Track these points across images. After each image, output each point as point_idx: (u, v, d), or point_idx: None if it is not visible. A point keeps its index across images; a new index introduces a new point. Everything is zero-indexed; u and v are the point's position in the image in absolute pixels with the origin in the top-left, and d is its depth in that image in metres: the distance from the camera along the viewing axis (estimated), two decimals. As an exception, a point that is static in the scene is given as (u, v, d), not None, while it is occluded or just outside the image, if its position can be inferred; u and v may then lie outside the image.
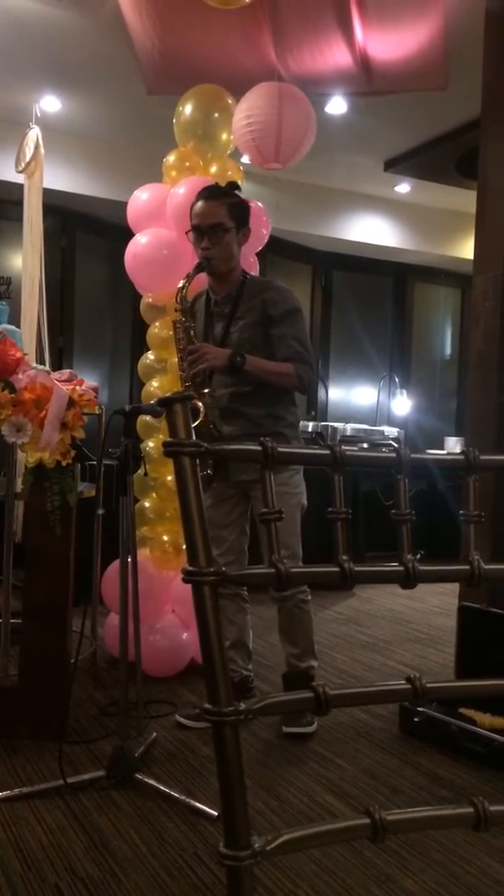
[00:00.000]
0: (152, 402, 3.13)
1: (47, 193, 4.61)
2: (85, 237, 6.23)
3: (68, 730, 2.77)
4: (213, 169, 3.61)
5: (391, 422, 7.24)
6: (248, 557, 3.09)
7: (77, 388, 2.73)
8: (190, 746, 2.73)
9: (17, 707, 2.72)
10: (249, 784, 2.41)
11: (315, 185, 6.40)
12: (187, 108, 3.59)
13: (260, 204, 3.53)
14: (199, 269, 2.90)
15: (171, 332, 3.56)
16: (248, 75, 3.73)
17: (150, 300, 3.67)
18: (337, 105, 4.72)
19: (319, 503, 3.18)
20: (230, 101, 3.64)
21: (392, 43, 3.59)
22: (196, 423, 2.79)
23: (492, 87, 3.41)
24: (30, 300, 4.45)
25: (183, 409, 0.98)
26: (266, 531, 1.03)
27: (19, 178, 4.61)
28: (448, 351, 7.95)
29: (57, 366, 5.32)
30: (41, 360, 4.30)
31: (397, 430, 6.69)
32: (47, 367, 3.97)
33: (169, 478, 3.46)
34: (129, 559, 2.56)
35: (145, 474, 3.35)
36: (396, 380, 7.44)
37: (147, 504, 3.58)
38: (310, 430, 6.09)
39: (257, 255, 3.58)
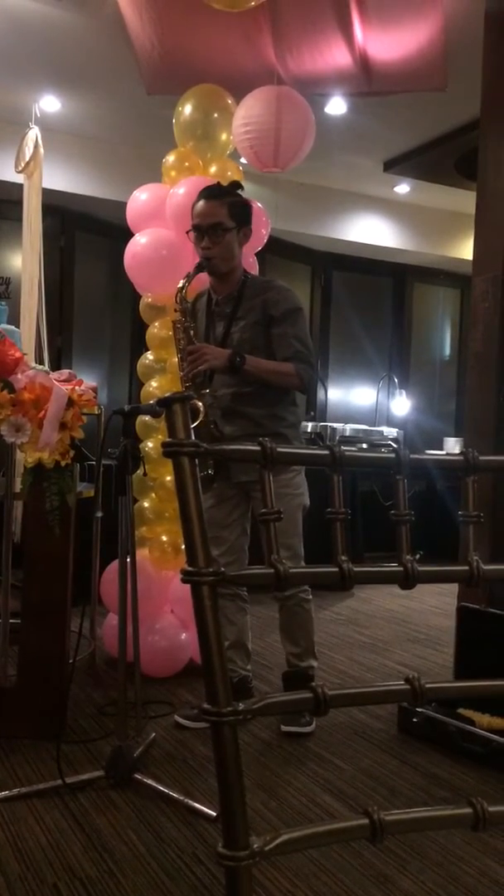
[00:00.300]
0: (151, 402, 3.13)
1: (47, 193, 4.61)
2: (84, 237, 6.22)
3: (67, 730, 2.77)
4: (213, 169, 3.61)
5: (390, 422, 7.24)
6: (250, 558, 3.09)
7: (76, 388, 2.73)
8: (188, 747, 2.73)
9: (15, 707, 2.72)
10: (248, 784, 2.41)
11: (314, 186, 6.40)
12: (187, 109, 3.59)
13: (259, 204, 3.53)
14: (198, 268, 2.90)
15: (170, 333, 3.55)
16: (247, 75, 3.73)
17: (150, 300, 3.67)
18: (336, 105, 4.72)
19: (318, 503, 3.18)
20: (230, 102, 3.64)
21: (392, 43, 3.59)
22: (196, 424, 2.79)
23: (491, 88, 3.41)
24: (29, 300, 4.45)
25: (182, 410, 0.98)
26: (266, 531, 1.03)
27: (19, 178, 4.60)
28: (447, 351, 7.95)
29: (56, 366, 5.32)
30: (40, 360, 4.30)
31: (396, 430, 6.70)
32: (46, 367, 3.97)
33: (168, 478, 3.46)
34: (128, 559, 2.55)
35: (144, 474, 3.35)
36: (395, 380, 7.44)
37: (146, 504, 3.58)
38: (309, 430, 6.09)
39: (256, 255, 3.58)
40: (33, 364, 3.32)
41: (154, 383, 3.63)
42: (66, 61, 4.47)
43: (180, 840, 2.14)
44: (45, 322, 4.45)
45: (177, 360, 3.53)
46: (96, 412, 3.16)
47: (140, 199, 3.66)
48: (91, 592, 3.40)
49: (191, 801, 2.30)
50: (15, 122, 4.82)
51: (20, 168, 4.52)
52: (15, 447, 2.69)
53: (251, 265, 3.44)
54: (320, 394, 7.21)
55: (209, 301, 3.02)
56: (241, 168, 3.70)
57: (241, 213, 2.91)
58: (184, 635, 3.42)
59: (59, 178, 5.40)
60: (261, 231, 3.50)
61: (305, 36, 3.59)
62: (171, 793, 2.35)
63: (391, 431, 6.59)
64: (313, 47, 3.64)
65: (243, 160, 3.93)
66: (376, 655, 3.92)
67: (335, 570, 1.04)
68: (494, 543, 3.17)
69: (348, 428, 6.27)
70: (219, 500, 2.99)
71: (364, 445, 6.16)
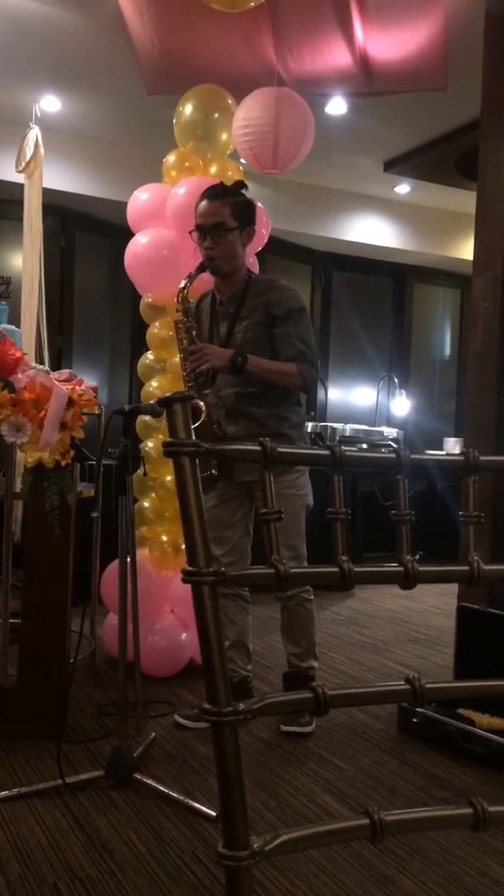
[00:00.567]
0: (152, 402, 3.13)
1: (47, 193, 4.61)
2: (85, 237, 6.22)
3: (67, 730, 2.77)
4: (213, 169, 3.61)
5: (390, 422, 7.24)
6: (253, 558, 3.09)
7: (76, 387, 2.73)
8: (189, 746, 2.73)
9: (15, 707, 2.72)
10: (248, 784, 2.41)
11: (315, 186, 6.40)
12: (187, 109, 3.59)
13: (260, 204, 3.53)
14: (200, 269, 2.89)
15: (170, 333, 3.56)
16: (248, 76, 3.73)
17: (150, 300, 3.67)
18: (337, 105, 4.72)
19: (319, 504, 3.18)
20: (230, 102, 3.64)
21: (392, 43, 3.59)
22: (198, 423, 2.79)
23: (491, 88, 3.41)
24: (29, 300, 4.45)
25: (182, 409, 0.98)
26: (266, 531, 1.03)
27: (19, 178, 4.61)
28: (447, 351, 7.95)
29: (56, 365, 5.32)
30: (40, 360, 4.30)
31: (396, 430, 6.69)
32: (47, 367, 3.97)
33: (168, 478, 3.46)
34: (129, 559, 2.55)
35: (144, 474, 3.35)
36: (395, 380, 7.44)
37: (146, 504, 3.58)
38: (309, 430, 6.09)
39: (257, 255, 3.58)
40: (33, 364, 3.32)
41: (154, 383, 3.63)
42: (66, 61, 4.47)
43: (180, 840, 2.14)
44: (46, 322, 4.45)
45: (177, 359, 3.54)
46: (96, 412, 3.16)
47: (140, 199, 3.66)
48: (91, 592, 3.40)
49: (191, 801, 2.30)
50: (15, 122, 4.82)
51: (21, 168, 4.53)
52: (15, 447, 2.69)
53: (251, 265, 3.44)
54: (320, 394, 7.21)
55: (213, 301, 3.02)
56: (241, 168, 3.70)
57: (245, 213, 2.90)
58: (184, 635, 3.42)
59: (60, 177, 5.41)
60: (261, 231, 3.50)
61: (306, 36, 3.59)
62: (171, 793, 2.35)
63: (391, 432, 6.59)
64: (314, 47, 3.64)
65: (244, 160, 3.93)
66: (376, 655, 3.92)
67: (335, 570, 1.04)
68: (495, 543, 3.17)
69: (348, 428, 6.27)
70: (222, 500, 2.99)
71: (364, 445, 6.16)
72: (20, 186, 4.58)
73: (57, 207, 5.67)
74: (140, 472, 2.61)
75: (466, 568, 1.08)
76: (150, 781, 2.39)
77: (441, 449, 6.90)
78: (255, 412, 2.90)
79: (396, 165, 5.86)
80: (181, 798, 2.32)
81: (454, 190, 6.16)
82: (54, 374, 2.88)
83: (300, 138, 3.64)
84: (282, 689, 3.10)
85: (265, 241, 3.61)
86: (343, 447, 1.07)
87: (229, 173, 3.57)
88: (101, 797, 2.34)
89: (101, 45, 4.25)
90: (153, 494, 3.56)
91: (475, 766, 2.65)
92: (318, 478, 3.05)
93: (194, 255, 3.51)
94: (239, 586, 3.05)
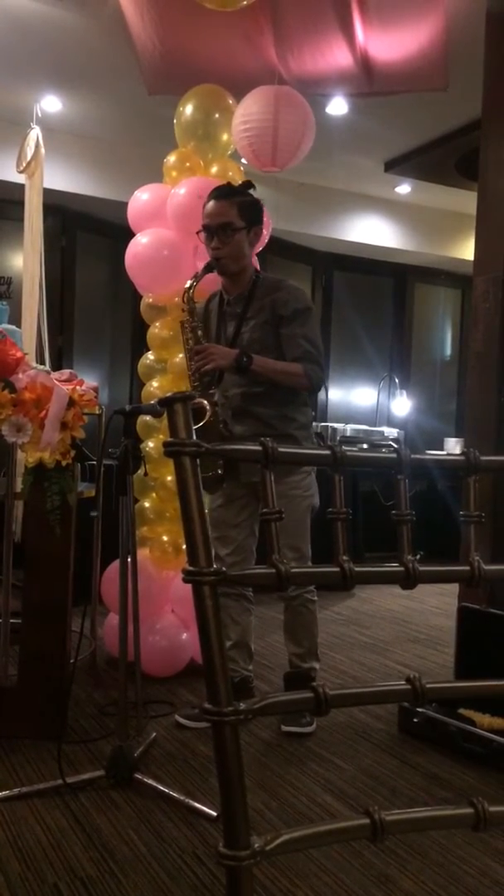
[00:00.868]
0: (152, 402, 3.13)
1: (48, 193, 4.61)
2: (85, 237, 6.22)
3: (67, 730, 2.77)
4: (214, 169, 3.61)
5: (391, 423, 7.23)
6: (258, 559, 3.09)
7: (77, 387, 2.73)
8: (189, 746, 2.73)
9: (16, 707, 2.72)
10: (249, 784, 2.40)
11: (315, 186, 6.40)
12: (188, 109, 3.59)
13: (260, 204, 3.53)
14: (207, 269, 2.89)
15: (171, 333, 3.56)
16: (248, 76, 3.73)
17: (151, 300, 3.67)
18: (337, 106, 4.72)
19: (321, 504, 3.17)
20: (231, 102, 3.64)
21: (393, 43, 3.59)
22: (203, 423, 2.79)
23: (492, 88, 3.41)
24: (30, 300, 4.45)
25: (183, 409, 0.98)
26: (267, 531, 1.03)
27: (20, 178, 4.61)
28: (448, 352, 7.95)
29: (57, 366, 5.32)
30: (41, 360, 4.30)
31: (397, 430, 6.69)
32: (47, 367, 3.97)
33: (169, 478, 3.46)
34: (129, 559, 2.55)
35: (145, 474, 3.35)
36: (396, 380, 7.44)
37: (147, 504, 3.58)
38: (309, 430, 6.08)
39: (257, 255, 3.58)
40: (34, 364, 3.32)
41: (155, 383, 3.63)
42: (67, 61, 4.47)
43: (181, 840, 2.14)
44: (46, 322, 4.45)
45: (178, 359, 3.54)
46: (97, 412, 3.16)
47: (141, 199, 3.66)
48: (92, 592, 3.40)
49: (191, 801, 2.30)
50: (16, 123, 4.82)
51: (21, 168, 4.53)
52: (16, 447, 2.69)
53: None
54: (321, 394, 7.20)
55: (221, 301, 3.02)
56: (242, 168, 3.70)
57: (252, 213, 2.90)
58: (184, 635, 3.42)
59: (60, 178, 5.40)
60: (262, 231, 3.50)
61: (306, 36, 3.59)
62: (171, 793, 2.35)
63: (392, 432, 6.59)
64: (314, 48, 3.64)
65: (244, 160, 3.93)
66: (377, 655, 3.92)
67: (336, 569, 1.04)
68: (495, 543, 3.17)
69: (349, 428, 6.27)
70: (228, 500, 2.99)
71: (365, 446, 6.16)
72: (21, 186, 4.58)
73: (58, 207, 5.67)
74: (141, 472, 2.61)
75: (467, 568, 1.08)
76: (150, 781, 2.40)
77: (442, 449, 6.90)
78: (262, 412, 2.90)
79: (397, 165, 5.86)
80: (182, 798, 2.32)
81: (455, 190, 6.16)
82: (55, 374, 2.89)
83: (300, 135, 3.64)
84: (282, 690, 3.10)
85: (266, 241, 3.61)
86: (344, 447, 1.07)
87: (230, 173, 3.57)
88: (102, 797, 2.34)
89: (101, 45, 4.25)
90: (154, 494, 3.57)
91: (476, 766, 2.65)
92: (320, 478, 3.05)
93: (194, 255, 3.52)
94: (242, 586, 3.04)
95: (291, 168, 3.85)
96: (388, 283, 7.57)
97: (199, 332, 2.91)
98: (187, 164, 3.61)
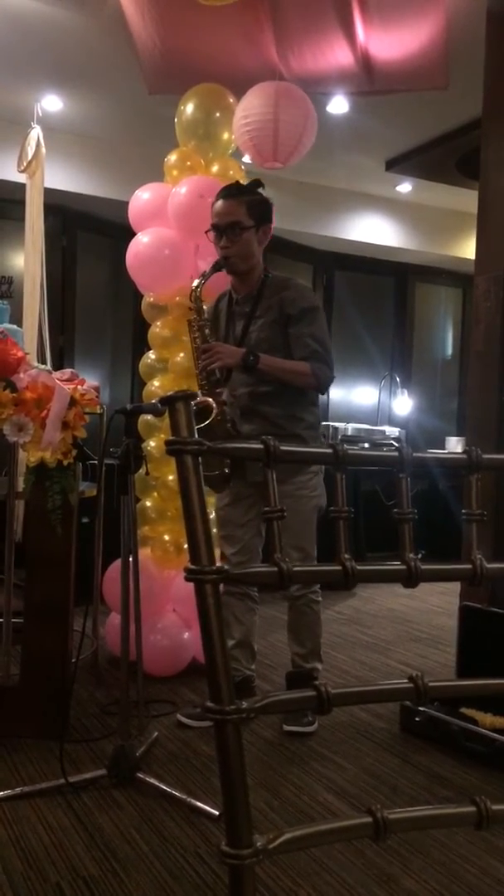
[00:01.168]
0: (153, 401, 3.13)
1: (48, 193, 4.61)
2: (86, 237, 6.22)
3: (70, 729, 2.77)
4: (215, 168, 3.61)
5: (392, 422, 7.23)
6: (264, 559, 3.08)
7: (78, 387, 2.73)
8: (191, 746, 2.73)
9: (18, 706, 2.72)
10: (251, 783, 2.41)
11: (316, 185, 6.39)
12: (188, 108, 3.59)
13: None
14: (215, 268, 2.88)
15: (171, 332, 3.56)
16: (249, 75, 3.73)
17: (152, 299, 3.67)
18: (338, 105, 4.71)
19: (326, 504, 3.15)
20: (231, 101, 3.64)
21: (393, 42, 3.58)
22: (209, 421, 2.78)
23: (493, 87, 3.41)
24: (31, 300, 4.45)
25: (185, 408, 0.98)
26: (269, 529, 1.03)
27: (21, 178, 4.61)
28: (449, 351, 7.94)
29: (58, 365, 5.32)
30: (42, 360, 4.30)
31: (398, 429, 6.69)
32: (48, 367, 3.97)
33: (170, 477, 3.46)
34: (131, 559, 2.55)
35: (147, 473, 3.35)
36: (397, 379, 7.44)
37: (148, 503, 3.58)
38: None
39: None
40: (35, 363, 3.32)
41: (156, 382, 3.63)
42: (67, 61, 4.47)
43: (183, 839, 2.14)
44: (48, 321, 4.45)
45: (179, 359, 3.54)
46: (98, 411, 3.17)
47: (142, 198, 3.66)
48: (93, 592, 3.40)
49: (194, 800, 2.31)
50: (17, 122, 4.82)
51: (22, 168, 4.53)
52: (17, 446, 2.69)
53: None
54: (321, 393, 7.20)
55: (230, 301, 3.02)
56: (242, 167, 3.70)
57: (260, 212, 2.90)
58: (186, 634, 3.42)
59: (61, 177, 5.40)
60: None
61: (307, 35, 3.59)
62: (173, 792, 2.35)
63: (393, 431, 6.59)
64: (315, 46, 3.63)
65: (245, 159, 3.93)
66: (379, 655, 3.92)
67: (338, 568, 1.04)
68: (497, 542, 3.17)
69: (350, 427, 6.27)
70: (235, 499, 2.98)
71: (366, 445, 6.15)
72: (22, 186, 4.58)
73: (58, 207, 5.67)
74: (142, 471, 2.61)
75: (469, 566, 1.08)
76: (152, 780, 2.40)
77: (443, 448, 6.90)
78: (269, 412, 2.90)
79: (398, 164, 5.86)
80: (184, 797, 2.32)
81: (456, 189, 6.15)
82: (56, 374, 2.89)
83: (300, 129, 3.63)
84: (284, 689, 3.09)
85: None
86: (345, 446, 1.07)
87: (231, 172, 3.57)
88: (104, 796, 2.35)
89: (102, 45, 4.25)
90: (155, 494, 3.57)
91: (478, 764, 2.65)
92: (324, 478, 3.04)
93: (195, 254, 3.52)
94: (247, 586, 3.04)
95: (292, 167, 3.85)
96: (389, 282, 7.57)
97: (207, 331, 2.91)
98: (188, 164, 3.61)
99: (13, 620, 2.80)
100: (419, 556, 1.07)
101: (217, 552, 3.11)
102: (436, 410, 7.72)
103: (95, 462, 2.93)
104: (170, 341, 3.57)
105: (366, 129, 5.20)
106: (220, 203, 2.88)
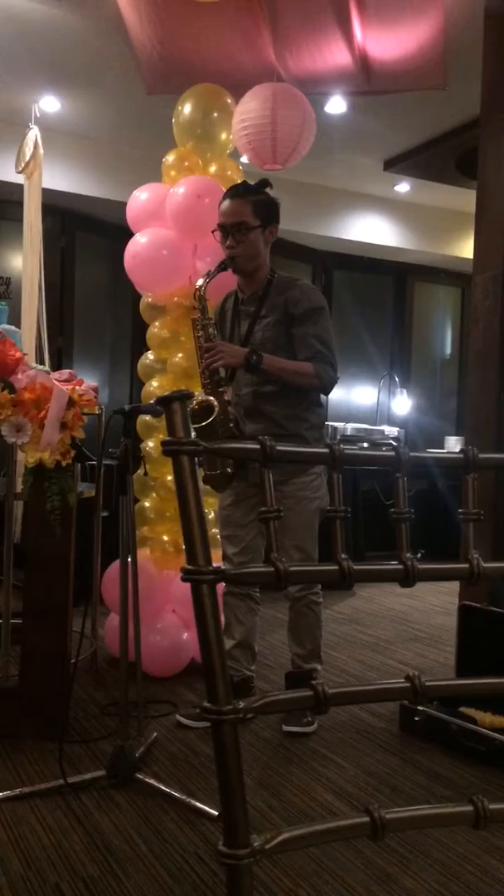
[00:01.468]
0: (152, 401, 3.13)
1: (47, 193, 4.61)
2: (84, 237, 6.22)
3: (69, 729, 2.77)
4: (213, 168, 3.61)
5: (391, 421, 7.23)
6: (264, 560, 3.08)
7: (77, 388, 2.73)
8: (190, 746, 2.73)
9: (17, 707, 2.72)
10: (250, 783, 2.41)
11: (315, 185, 6.39)
12: (186, 108, 3.59)
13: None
14: (221, 267, 2.88)
15: (170, 332, 3.56)
16: (247, 75, 3.73)
17: (150, 300, 3.67)
18: (336, 104, 4.71)
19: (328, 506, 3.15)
20: (229, 101, 3.63)
21: (391, 42, 3.58)
22: (210, 420, 2.78)
23: (491, 87, 3.41)
24: (29, 300, 4.44)
25: (182, 408, 0.98)
26: (266, 529, 1.03)
27: (19, 179, 4.60)
28: (448, 350, 7.94)
29: (56, 366, 5.32)
30: (41, 361, 4.30)
31: (397, 429, 6.69)
32: (47, 368, 3.97)
33: (169, 478, 3.46)
34: (130, 559, 2.55)
35: (145, 474, 3.35)
36: (396, 379, 7.44)
37: (147, 504, 3.58)
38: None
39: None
40: (34, 364, 3.32)
41: (155, 383, 3.63)
42: (65, 61, 4.47)
43: (182, 839, 2.14)
44: (46, 322, 4.45)
45: (177, 359, 3.55)
46: (97, 412, 3.16)
47: (140, 198, 3.66)
48: (92, 592, 3.40)
49: (193, 801, 2.31)
50: (15, 123, 4.82)
51: (20, 168, 4.52)
52: (16, 447, 2.69)
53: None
54: (321, 393, 7.19)
55: (236, 300, 3.02)
56: (241, 167, 3.70)
57: (267, 211, 2.90)
58: (185, 635, 3.42)
59: (59, 178, 5.40)
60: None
61: (305, 35, 3.58)
62: (172, 792, 2.35)
63: (392, 430, 6.58)
64: (313, 46, 3.63)
65: (243, 159, 3.93)
66: (378, 654, 3.92)
67: (335, 567, 1.04)
68: (495, 541, 3.17)
69: (349, 427, 6.27)
70: (237, 499, 2.98)
71: (365, 444, 6.16)
72: (20, 187, 4.58)
73: (57, 208, 5.66)
74: (141, 471, 2.61)
75: (466, 566, 1.08)
76: (151, 781, 2.40)
77: (442, 448, 6.90)
78: (273, 412, 2.90)
79: (396, 164, 5.86)
80: (183, 798, 2.32)
81: (454, 189, 6.15)
82: (54, 375, 2.88)
83: (299, 131, 3.63)
84: (283, 689, 3.09)
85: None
86: (343, 445, 1.07)
87: (229, 172, 3.57)
88: (103, 797, 2.34)
89: (100, 45, 4.25)
90: (154, 494, 3.57)
91: (477, 764, 2.65)
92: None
93: (194, 254, 3.52)
94: (249, 587, 3.04)
95: (291, 167, 3.85)
96: (388, 281, 7.57)
97: (210, 330, 2.91)
98: (186, 164, 3.61)
99: (12, 621, 2.80)
100: (418, 555, 1.07)
101: (217, 552, 3.11)
102: (435, 410, 7.72)
103: (94, 463, 2.93)
104: (168, 342, 3.57)
105: (364, 129, 5.20)
106: (226, 203, 2.88)
